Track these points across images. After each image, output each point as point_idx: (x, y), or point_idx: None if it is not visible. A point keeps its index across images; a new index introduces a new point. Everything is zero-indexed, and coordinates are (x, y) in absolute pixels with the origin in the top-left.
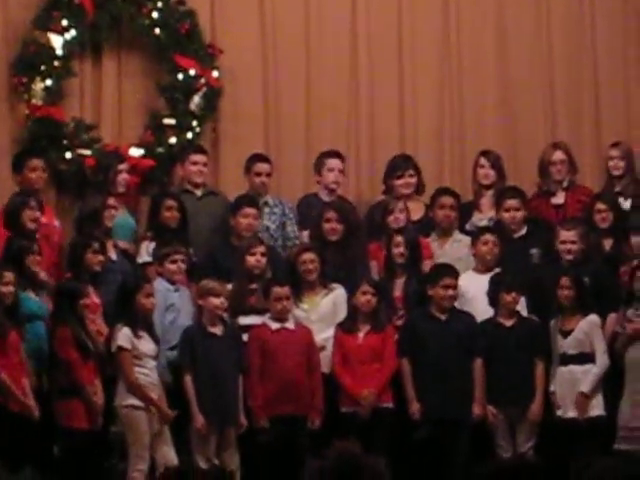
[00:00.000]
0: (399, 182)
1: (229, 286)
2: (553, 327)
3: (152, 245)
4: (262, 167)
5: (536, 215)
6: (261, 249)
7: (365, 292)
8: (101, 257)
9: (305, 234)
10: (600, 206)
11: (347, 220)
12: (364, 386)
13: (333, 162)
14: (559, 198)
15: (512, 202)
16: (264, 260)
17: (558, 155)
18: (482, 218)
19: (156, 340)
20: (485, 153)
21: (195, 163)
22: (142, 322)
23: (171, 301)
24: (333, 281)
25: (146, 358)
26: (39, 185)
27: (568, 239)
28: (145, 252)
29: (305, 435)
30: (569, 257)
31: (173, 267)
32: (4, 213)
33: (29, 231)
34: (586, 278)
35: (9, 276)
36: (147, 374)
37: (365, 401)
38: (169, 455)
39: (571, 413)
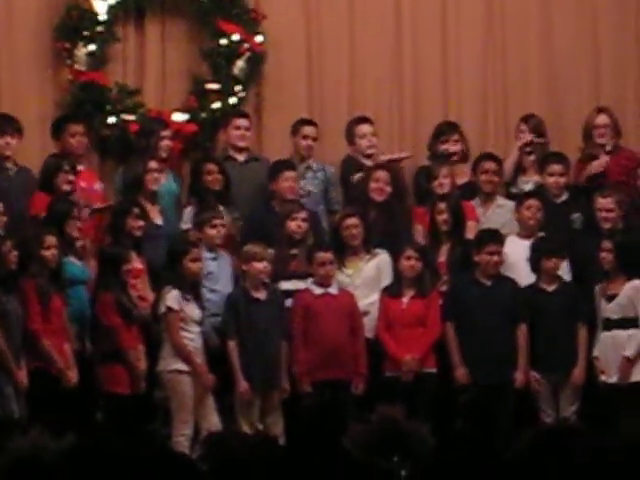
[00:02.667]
0: (444, 147)
1: (271, 251)
2: (598, 292)
3: (194, 211)
4: (310, 130)
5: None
6: (302, 215)
7: (409, 257)
8: (141, 222)
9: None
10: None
11: (395, 183)
12: (407, 351)
13: (363, 128)
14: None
15: (556, 167)
16: (305, 225)
17: (602, 119)
18: (527, 181)
19: (202, 306)
20: (525, 118)
21: (238, 127)
22: (190, 286)
23: (209, 269)
24: (378, 246)
25: (192, 323)
26: (80, 150)
27: (604, 207)
28: (188, 218)
29: (349, 400)
30: (607, 225)
31: (213, 232)
32: (40, 176)
33: (64, 193)
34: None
35: (51, 240)
36: (192, 339)
37: (407, 366)
38: (212, 420)
39: (615, 378)
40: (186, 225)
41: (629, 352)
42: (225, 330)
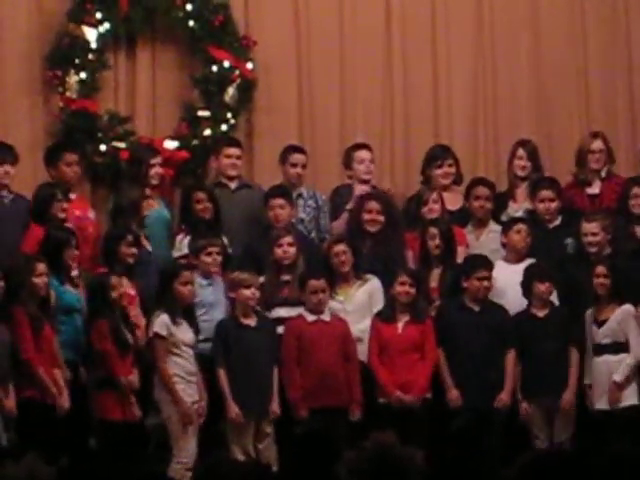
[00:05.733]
0: (438, 172)
1: (261, 278)
2: (588, 317)
3: (186, 239)
4: (298, 158)
5: (571, 205)
6: (288, 239)
7: (403, 283)
8: (134, 249)
9: (336, 224)
10: (637, 191)
11: (388, 212)
12: (403, 377)
13: (361, 154)
14: (594, 188)
15: (547, 193)
16: (292, 250)
17: (597, 144)
18: (517, 209)
19: (196, 329)
20: (523, 143)
21: (229, 156)
22: (182, 310)
23: (204, 296)
24: (369, 272)
25: (184, 346)
26: (74, 179)
27: (589, 231)
28: (179, 246)
29: (342, 427)
30: (592, 249)
31: (209, 259)
32: (32, 205)
33: (59, 221)
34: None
35: (41, 267)
36: (184, 363)
37: (395, 402)
38: (191, 449)
39: (606, 404)
40: (177, 253)
41: (618, 377)
42: (214, 358)
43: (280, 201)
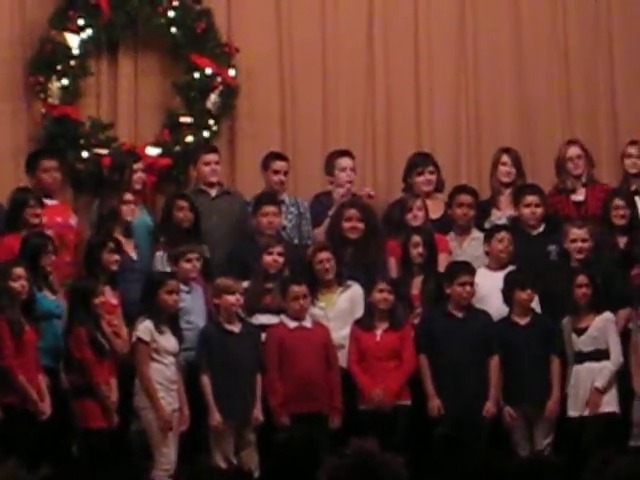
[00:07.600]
0: (419, 179)
1: (244, 284)
2: (565, 326)
3: (165, 255)
4: (280, 165)
5: (555, 212)
6: (278, 249)
7: (382, 290)
8: (117, 256)
9: (318, 231)
10: (619, 202)
11: (367, 219)
12: (381, 384)
13: (344, 161)
14: (579, 195)
15: (532, 198)
16: (281, 259)
17: (574, 150)
18: (500, 216)
19: (180, 338)
20: (507, 150)
21: (207, 163)
22: (166, 318)
23: (182, 304)
24: (351, 279)
25: (165, 354)
26: (54, 186)
27: (579, 237)
28: (159, 262)
29: (323, 433)
30: (580, 256)
31: (188, 266)
32: (7, 211)
33: (32, 226)
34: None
35: (19, 271)
36: (164, 370)
37: (377, 398)
38: (171, 456)
39: (588, 410)
40: (159, 269)
41: (599, 383)
42: (198, 364)
43: (272, 208)
